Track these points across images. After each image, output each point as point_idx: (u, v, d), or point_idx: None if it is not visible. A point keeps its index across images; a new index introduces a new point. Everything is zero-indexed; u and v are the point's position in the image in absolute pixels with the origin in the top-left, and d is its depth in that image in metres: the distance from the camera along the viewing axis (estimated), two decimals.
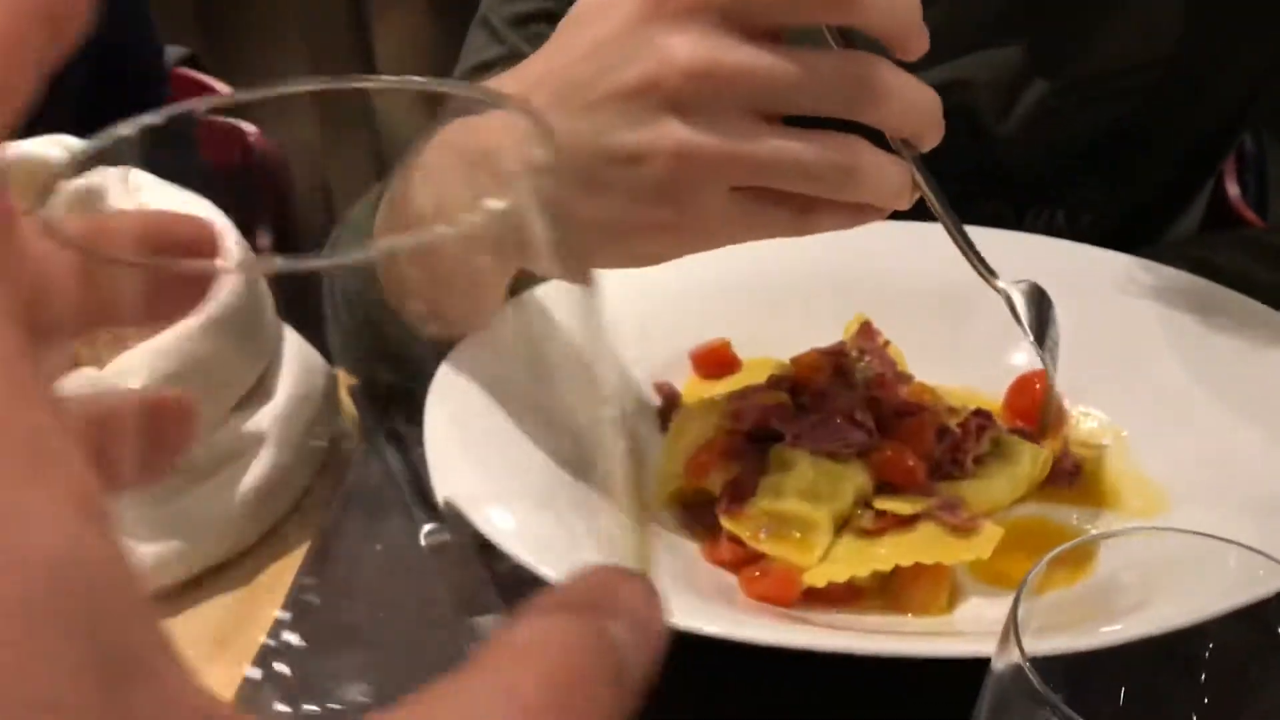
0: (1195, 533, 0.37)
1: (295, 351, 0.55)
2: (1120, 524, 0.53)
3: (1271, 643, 0.37)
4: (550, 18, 0.74)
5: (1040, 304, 0.55)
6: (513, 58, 0.75)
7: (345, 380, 0.72)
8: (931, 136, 0.48)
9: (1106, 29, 0.72)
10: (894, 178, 0.47)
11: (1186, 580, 0.39)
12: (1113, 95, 0.74)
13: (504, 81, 0.53)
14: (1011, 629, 0.34)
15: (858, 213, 0.49)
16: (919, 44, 0.47)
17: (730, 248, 0.65)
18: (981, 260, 0.53)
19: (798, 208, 0.47)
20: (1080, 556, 0.42)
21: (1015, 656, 0.33)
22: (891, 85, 0.46)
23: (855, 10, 0.45)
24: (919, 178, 0.50)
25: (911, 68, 0.73)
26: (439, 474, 0.53)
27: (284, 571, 0.46)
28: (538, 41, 0.75)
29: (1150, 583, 0.40)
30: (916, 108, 0.47)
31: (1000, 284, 0.54)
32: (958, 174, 0.77)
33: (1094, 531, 0.53)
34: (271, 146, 1.11)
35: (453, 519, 0.52)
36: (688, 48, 0.44)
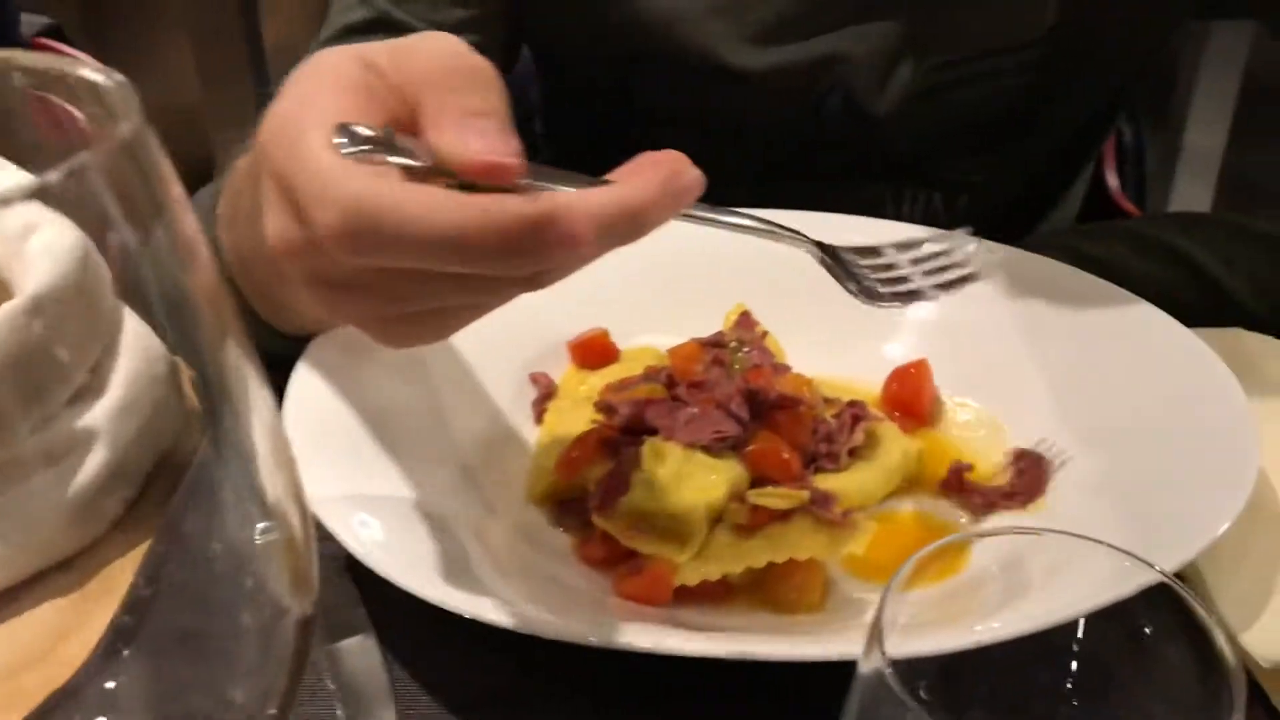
0: (1063, 532, 0.37)
1: (134, 337, 0.51)
2: (997, 519, 0.53)
3: (1137, 640, 0.37)
4: None
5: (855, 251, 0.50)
6: (379, 21, 0.72)
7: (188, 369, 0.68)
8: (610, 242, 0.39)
9: (982, 8, 0.72)
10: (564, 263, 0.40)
11: (1056, 578, 0.39)
12: (988, 74, 0.74)
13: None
14: (875, 635, 0.33)
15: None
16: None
17: None
18: (782, 228, 0.48)
19: (518, 285, 0.41)
20: (952, 554, 0.41)
21: (878, 661, 0.32)
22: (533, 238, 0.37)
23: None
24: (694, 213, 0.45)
25: (788, 39, 0.72)
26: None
27: (117, 576, 0.43)
28: (403, 5, 0.72)
29: (1021, 580, 0.39)
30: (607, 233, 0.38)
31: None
32: (832, 148, 0.77)
33: (967, 524, 0.53)
34: None
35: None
36: (271, 229, 0.40)
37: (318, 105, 0.40)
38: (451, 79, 0.40)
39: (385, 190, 0.37)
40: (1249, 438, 0.49)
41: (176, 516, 0.34)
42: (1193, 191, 2.35)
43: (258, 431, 0.27)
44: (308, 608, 0.28)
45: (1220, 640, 0.34)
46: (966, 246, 0.51)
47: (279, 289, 0.53)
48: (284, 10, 2.41)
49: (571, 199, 0.37)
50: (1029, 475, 0.54)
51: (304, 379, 0.55)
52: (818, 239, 0.49)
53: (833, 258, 0.49)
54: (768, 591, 0.49)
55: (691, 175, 0.40)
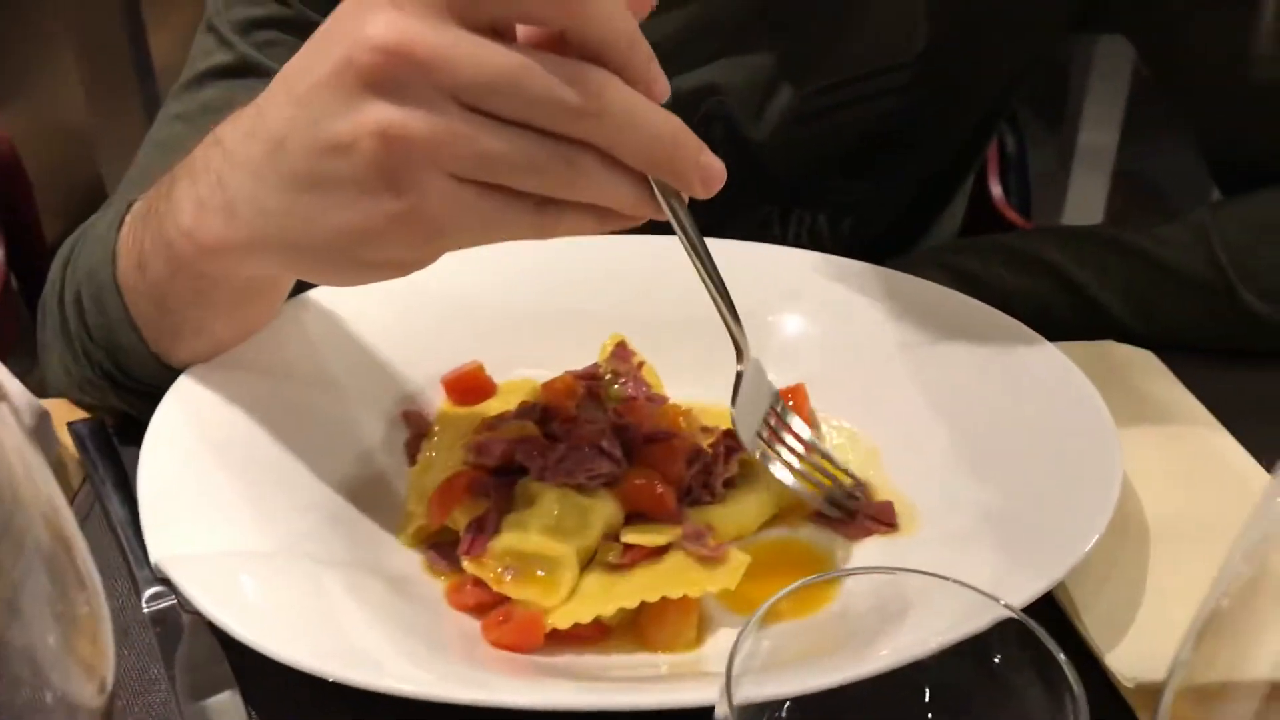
0: (915, 571, 0.37)
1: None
2: (870, 544, 0.53)
3: (992, 672, 0.37)
4: (281, 25, 0.70)
5: (758, 381, 0.53)
6: (240, 66, 0.70)
7: (65, 414, 0.66)
8: (677, 169, 0.45)
9: (851, 35, 0.72)
10: (624, 187, 0.44)
11: (915, 613, 0.38)
12: (863, 98, 0.75)
13: (233, 116, 0.49)
14: (726, 685, 0.33)
15: (601, 218, 0.46)
16: (639, 59, 0.44)
17: (482, 264, 0.63)
18: (734, 317, 0.51)
19: (533, 205, 0.44)
20: (809, 594, 0.40)
21: (725, 710, 0.32)
22: (617, 104, 0.43)
23: (572, 11, 0.42)
24: (678, 221, 0.47)
25: (666, 72, 0.72)
26: (153, 528, 0.48)
27: None
28: (266, 49, 0.71)
29: (883, 616, 0.39)
30: (642, 132, 0.43)
31: (743, 351, 0.52)
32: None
33: (840, 553, 0.53)
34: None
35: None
36: (382, 25, 0.41)
37: None
38: None
39: None
40: (1113, 456, 0.50)
41: None
42: (1087, 191, 2.40)
43: (40, 522, 0.26)
44: (105, 697, 0.26)
45: (1067, 672, 0.34)
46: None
47: (182, 291, 0.53)
48: (172, 29, 2.36)
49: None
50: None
51: (164, 421, 0.53)
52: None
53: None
54: (642, 631, 0.48)
55: None
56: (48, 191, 1.11)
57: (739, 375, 0.52)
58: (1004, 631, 0.37)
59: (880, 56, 0.73)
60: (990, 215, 1.06)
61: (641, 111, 0.44)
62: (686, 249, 0.48)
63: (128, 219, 0.58)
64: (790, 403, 0.57)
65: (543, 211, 0.45)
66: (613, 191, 0.44)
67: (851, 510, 0.54)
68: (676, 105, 0.73)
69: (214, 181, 0.48)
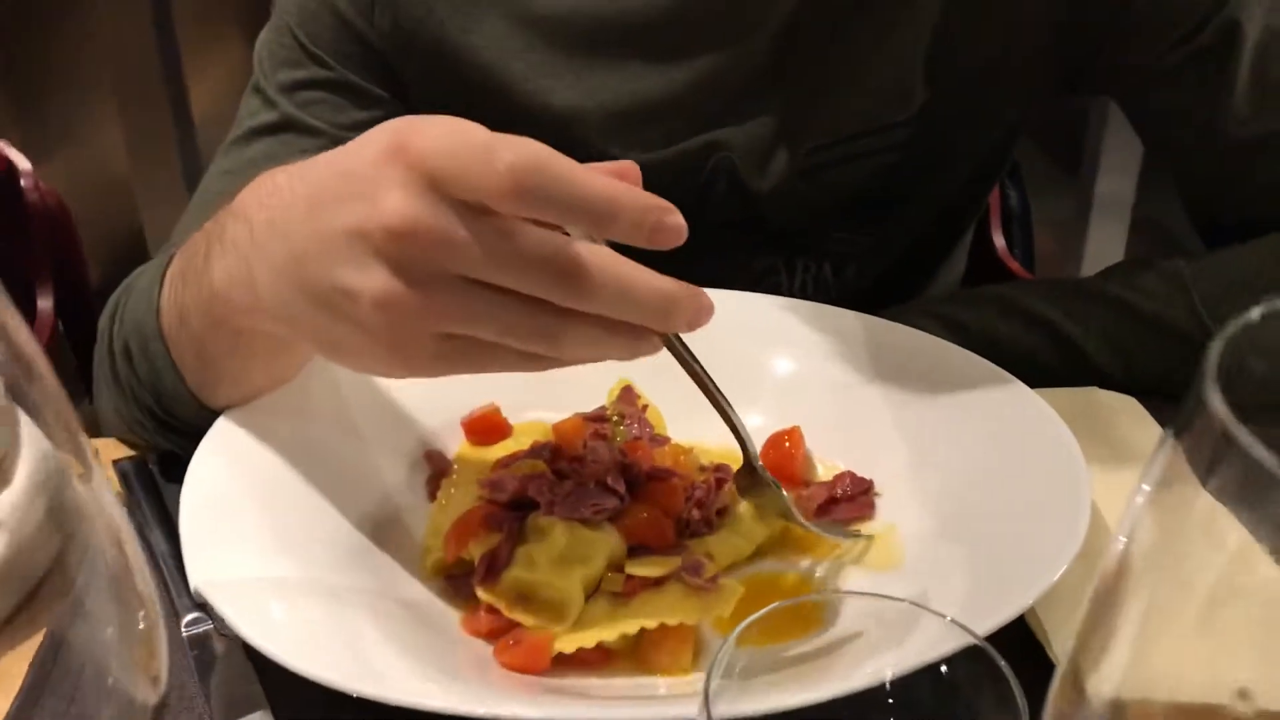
0: (888, 597, 0.40)
1: (30, 433, 0.54)
2: (858, 576, 0.57)
3: (952, 695, 0.40)
4: (322, 86, 0.76)
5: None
6: (284, 123, 0.76)
7: (112, 451, 0.70)
8: (673, 324, 0.48)
9: (853, 94, 0.77)
10: (613, 348, 0.48)
11: (891, 639, 0.42)
12: (863, 154, 0.79)
13: (269, 180, 0.54)
14: (704, 698, 0.37)
15: (595, 358, 0.50)
16: (626, 214, 0.46)
17: None
18: (745, 441, 0.55)
19: (518, 356, 0.49)
20: (800, 618, 0.44)
21: None
22: (604, 278, 0.45)
23: (543, 207, 0.45)
24: (673, 348, 0.52)
25: (669, 133, 0.77)
26: (193, 556, 0.53)
27: (7, 672, 0.45)
28: (309, 109, 0.76)
29: (862, 641, 0.43)
30: (635, 301, 0.46)
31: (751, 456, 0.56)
32: (724, 225, 0.81)
33: (828, 583, 0.56)
34: (48, 190, 1.07)
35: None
36: (395, 206, 0.45)
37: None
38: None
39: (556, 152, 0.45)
40: (1081, 490, 0.53)
41: (61, 626, 0.36)
42: (1106, 237, 2.42)
43: (108, 538, 0.30)
44: (159, 697, 0.31)
45: (1018, 696, 0.37)
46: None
47: (221, 346, 0.58)
48: (210, 81, 2.43)
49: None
50: (853, 489, 0.60)
51: (203, 460, 0.57)
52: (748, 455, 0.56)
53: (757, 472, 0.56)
54: (642, 656, 0.52)
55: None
56: (92, 240, 1.16)
57: (761, 468, 0.56)
58: (970, 656, 0.40)
59: (880, 115, 0.77)
60: (994, 266, 1.10)
61: (635, 283, 0.46)
62: (686, 368, 0.53)
63: (168, 276, 0.63)
64: (787, 443, 0.61)
65: (530, 361, 0.49)
66: (604, 352, 0.49)
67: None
68: (683, 161, 0.78)
69: (241, 259, 0.53)
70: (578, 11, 0.75)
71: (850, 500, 0.59)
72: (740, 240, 0.83)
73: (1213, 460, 0.21)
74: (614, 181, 0.46)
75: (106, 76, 2.50)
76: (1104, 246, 2.43)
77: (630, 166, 0.50)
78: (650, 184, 0.79)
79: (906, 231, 0.87)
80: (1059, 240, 2.44)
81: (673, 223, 0.46)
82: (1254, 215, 0.75)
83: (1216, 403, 0.20)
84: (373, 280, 0.46)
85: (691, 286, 0.47)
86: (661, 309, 0.47)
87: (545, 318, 0.46)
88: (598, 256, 0.46)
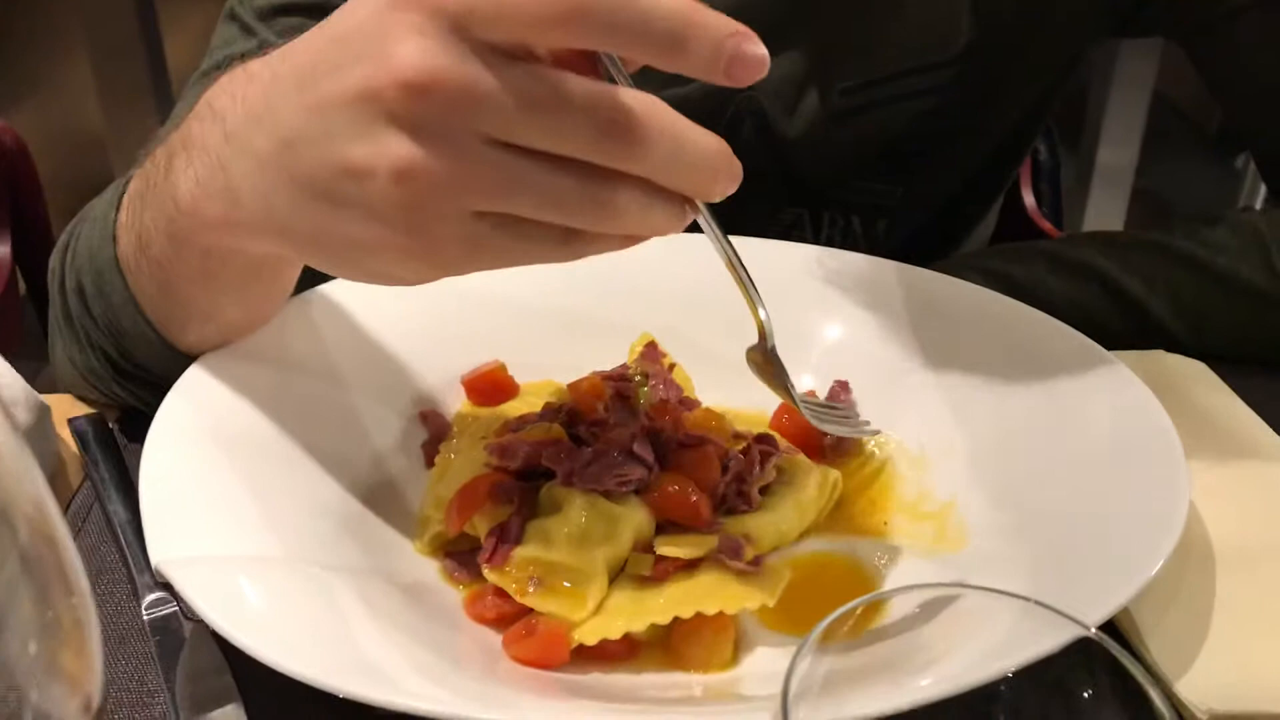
0: (984, 589, 0.34)
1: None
2: (915, 557, 0.50)
3: (1066, 696, 0.34)
4: (304, 10, 0.68)
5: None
6: (263, 52, 0.68)
7: (67, 410, 0.63)
8: (714, 190, 0.41)
9: (890, 31, 0.70)
10: (658, 216, 0.41)
11: (977, 633, 0.35)
12: (900, 97, 0.72)
13: (242, 72, 0.46)
14: (781, 709, 0.30)
15: (630, 240, 0.43)
16: (697, 43, 0.39)
17: None
18: (759, 301, 0.48)
19: (558, 237, 0.41)
20: (863, 613, 0.37)
21: None
22: (657, 132, 0.39)
23: (603, 33, 0.38)
24: (702, 219, 0.44)
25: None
26: (155, 530, 0.45)
27: None
28: (288, 36, 0.68)
29: (941, 635, 0.36)
30: (687, 160, 0.40)
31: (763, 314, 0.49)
32: (750, 173, 0.74)
33: (885, 564, 0.49)
34: (3, 126, 0.99)
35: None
36: (410, 58, 0.38)
37: None
38: None
39: None
40: (1179, 472, 0.47)
41: None
42: (1106, 208, 2.38)
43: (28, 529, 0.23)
44: (95, 708, 0.23)
45: (1156, 700, 0.31)
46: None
47: (186, 270, 0.50)
48: (187, 31, 2.34)
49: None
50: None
51: (168, 418, 0.50)
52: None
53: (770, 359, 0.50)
54: (674, 649, 0.45)
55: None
56: (60, 192, 1.08)
57: (773, 349, 0.48)
58: (1078, 655, 0.34)
59: (920, 54, 0.71)
60: (1023, 225, 1.03)
61: (687, 140, 0.40)
62: (710, 235, 0.45)
63: (125, 199, 0.55)
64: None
65: (567, 243, 0.42)
66: (650, 221, 0.41)
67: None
68: (706, 101, 0.70)
69: (213, 163, 0.45)
70: None
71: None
72: (765, 188, 0.76)
73: None
74: None
75: (80, 26, 2.40)
76: (1105, 217, 2.40)
77: None
78: None
79: (942, 185, 0.80)
80: None
81: (753, 53, 0.40)
82: None
83: None
84: (388, 150, 0.39)
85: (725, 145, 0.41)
86: (711, 169, 0.41)
87: (592, 183, 0.39)
88: (650, 107, 0.39)
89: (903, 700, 0.33)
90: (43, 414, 0.58)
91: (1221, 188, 2.39)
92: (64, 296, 0.59)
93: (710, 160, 0.40)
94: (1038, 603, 0.34)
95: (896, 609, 0.38)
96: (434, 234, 0.40)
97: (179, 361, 0.53)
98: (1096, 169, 2.37)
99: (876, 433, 0.55)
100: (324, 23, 0.43)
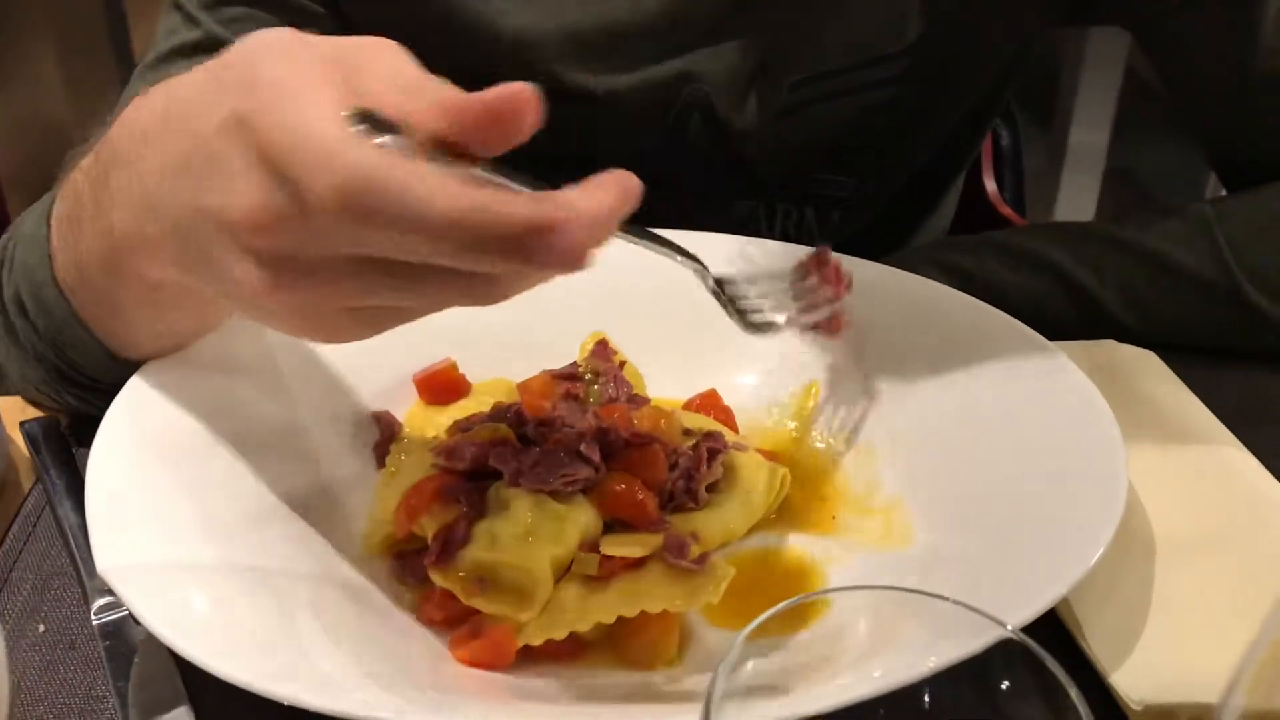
0: (912, 590, 0.34)
1: None
2: (862, 555, 0.50)
3: (989, 698, 0.35)
4: (244, 1, 0.68)
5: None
6: (208, 41, 0.68)
7: (18, 413, 0.63)
8: (588, 255, 0.38)
9: (839, 24, 0.70)
10: (537, 277, 0.40)
11: (908, 632, 0.36)
12: (851, 89, 0.72)
13: (125, 122, 0.47)
14: (705, 713, 0.30)
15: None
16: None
17: None
18: (684, 252, 0.48)
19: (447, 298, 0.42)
20: (799, 612, 0.38)
21: None
22: (501, 236, 0.36)
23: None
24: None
25: (636, 59, 0.69)
26: (101, 537, 0.45)
27: None
28: (233, 26, 0.68)
29: (869, 636, 0.37)
30: (546, 244, 0.36)
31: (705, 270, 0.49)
32: (700, 166, 0.74)
33: (825, 563, 0.50)
34: None
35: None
36: (246, 198, 0.39)
37: (312, 83, 0.39)
38: (418, 84, 0.41)
39: (395, 165, 0.37)
40: (1117, 465, 0.47)
41: None
42: (1078, 188, 2.39)
43: None
44: None
45: (1074, 699, 0.31)
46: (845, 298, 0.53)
47: (130, 297, 0.50)
48: (153, 21, 2.33)
49: (575, 200, 0.37)
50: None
51: (113, 425, 0.50)
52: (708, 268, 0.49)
53: (721, 288, 0.50)
54: (620, 647, 0.46)
55: (638, 187, 0.40)
56: (23, 184, 1.07)
57: (715, 290, 0.49)
58: (1004, 653, 0.35)
59: (869, 47, 0.71)
60: (985, 211, 1.03)
61: (543, 224, 0.37)
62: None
63: (54, 219, 0.54)
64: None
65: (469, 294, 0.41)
66: (530, 281, 0.41)
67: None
68: (653, 92, 0.70)
69: (130, 209, 0.46)
70: None
71: None
72: (717, 182, 0.76)
73: None
74: (465, 195, 0.36)
75: (45, 13, 2.38)
76: (1077, 198, 2.40)
77: (520, 91, 0.38)
78: (618, 116, 0.73)
79: (896, 176, 0.80)
80: (1032, 191, 2.40)
81: (560, 247, 0.36)
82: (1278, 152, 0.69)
83: None
84: (250, 276, 0.40)
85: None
86: (581, 233, 0.37)
87: (459, 278, 0.39)
88: (496, 210, 0.36)
89: (827, 701, 0.34)
90: None
91: (1195, 168, 2.40)
92: (5, 313, 0.59)
93: (584, 217, 0.37)
94: (962, 604, 0.34)
95: (832, 610, 0.38)
96: (318, 325, 0.42)
97: (123, 369, 0.53)
98: (1069, 150, 2.38)
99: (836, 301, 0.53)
100: (188, 98, 0.44)
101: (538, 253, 0.36)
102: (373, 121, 0.38)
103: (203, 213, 0.41)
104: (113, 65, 2.24)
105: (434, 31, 0.70)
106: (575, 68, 0.69)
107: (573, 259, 0.37)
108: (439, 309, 0.43)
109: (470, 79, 0.73)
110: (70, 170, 0.53)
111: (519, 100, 0.38)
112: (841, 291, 0.53)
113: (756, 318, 0.51)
